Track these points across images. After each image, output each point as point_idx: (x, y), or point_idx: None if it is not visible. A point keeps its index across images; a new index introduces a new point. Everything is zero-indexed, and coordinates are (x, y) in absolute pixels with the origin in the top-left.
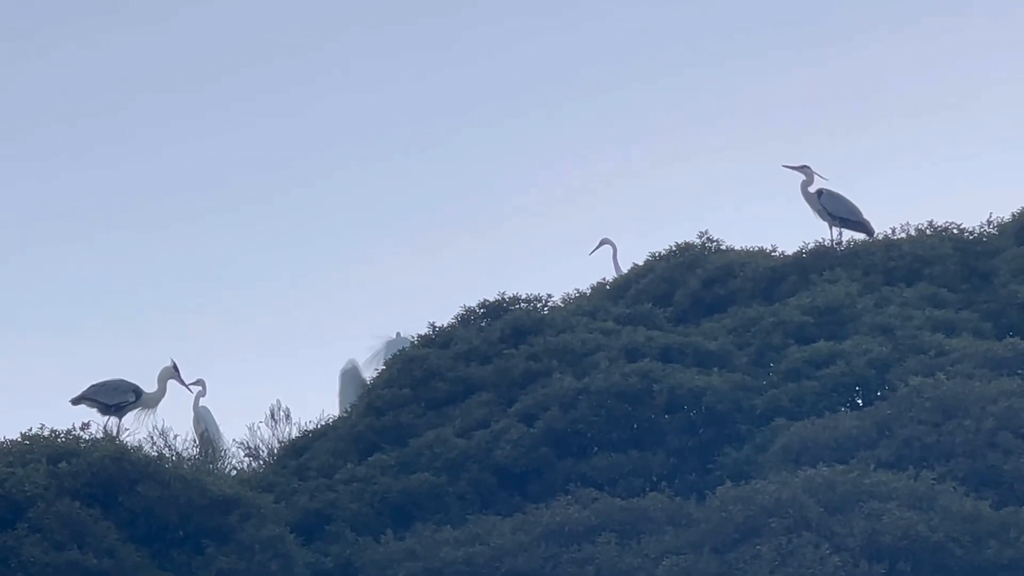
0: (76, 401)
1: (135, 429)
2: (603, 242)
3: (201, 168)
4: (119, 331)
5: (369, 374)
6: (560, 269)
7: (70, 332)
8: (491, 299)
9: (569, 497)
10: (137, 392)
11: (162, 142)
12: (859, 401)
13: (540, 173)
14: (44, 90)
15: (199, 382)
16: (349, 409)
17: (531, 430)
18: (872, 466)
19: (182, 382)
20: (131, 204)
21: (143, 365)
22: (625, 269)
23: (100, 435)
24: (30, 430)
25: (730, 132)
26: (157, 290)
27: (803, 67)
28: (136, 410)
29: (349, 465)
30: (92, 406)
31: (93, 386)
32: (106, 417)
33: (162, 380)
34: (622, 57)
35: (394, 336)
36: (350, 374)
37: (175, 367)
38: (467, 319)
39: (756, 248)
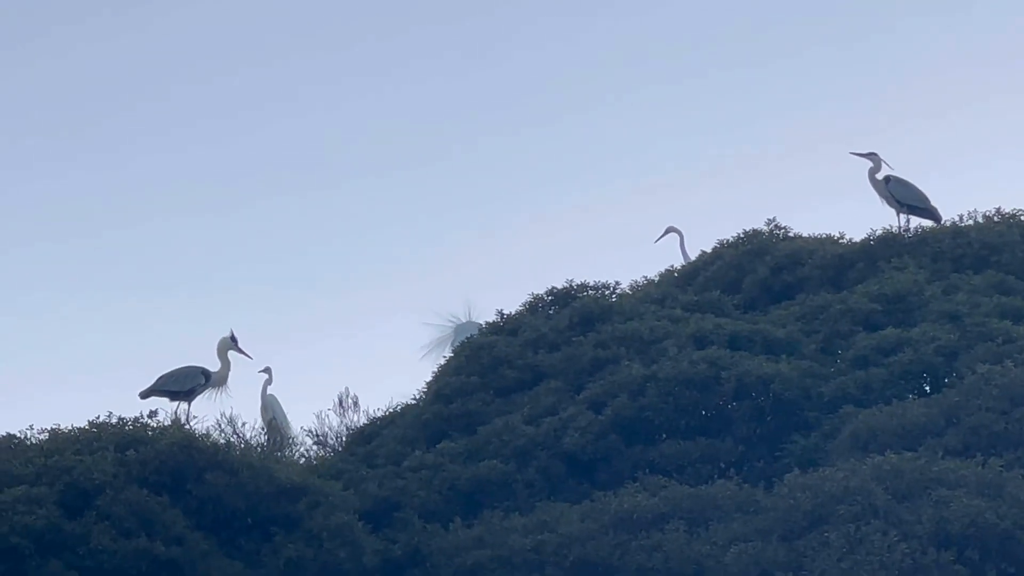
0: (146, 394)
1: (205, 416)
2: (669, 230)
3: (266, 148)
4: (186, 318)
5: (438, 359)
6: (628, 257)
7: (136, 319)
8: (559, 286)
9: (637, 484)
10: (206, 374)
11: (225, 123)
12: (927, 388)
13: (608, 161)
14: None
15: (267, 370)
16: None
17: (599, 417)
18: (940, 454)
19: (240, 351)
20: (193, 187)
21: (211, 352)
22: (693, 257)
23: (168, 423)
24: (98, 418)
25: (798, 120)
26: (223, 275)
27: (870, 54)
28: (208, 391)
29: (417, 453)
30: (163, 396)
31: (162, 377)
32: (176, 403)
33: (222, 353)
34: (690, 45)
35: (463, 321)
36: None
37: (233, 338)
38: (535, 306)
39: (824, 235)
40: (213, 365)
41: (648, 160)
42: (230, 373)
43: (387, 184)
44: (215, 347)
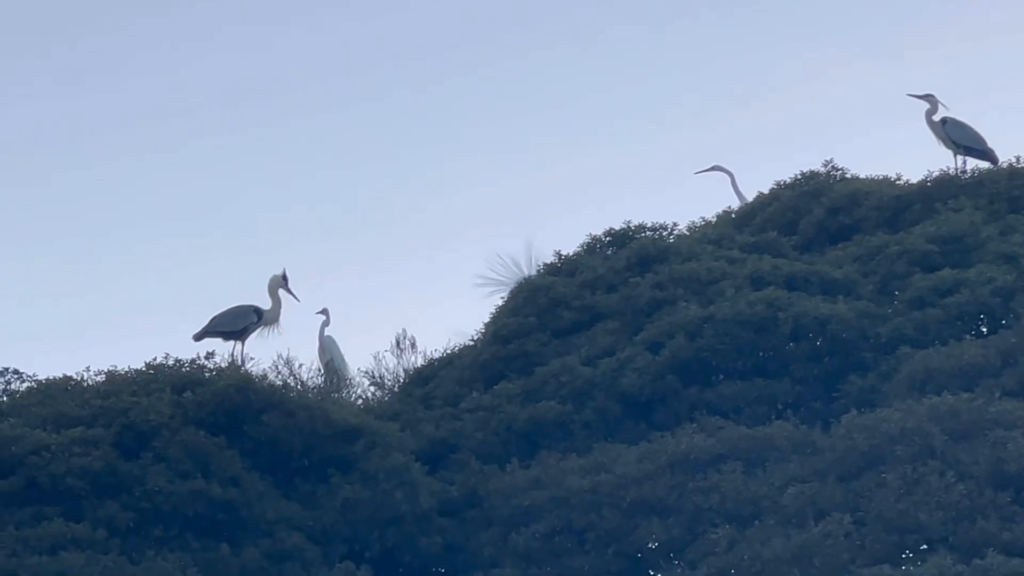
0: (200, 336)
1: (262, 357)
2: (715, 167)
3: (321, 74)
4: (241, 259)
5: (495, 300)
6: (686, 198)
7: (189, 259)
8: (616, 227)
9: (694, 425)
10: (258, 312)
11: (275, 42)
12: (983, 329)
13: (664, 102)
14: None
15: (324, 311)
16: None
17: (656, 358)
18: (997, 394)
19: (289, 291)
20: (240, 123)
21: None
22: (748, 197)
23: (225, 364)
24: (155, 360)
25: (854, 60)
26: (281, 217)
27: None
28: (260, 329)
29: (475, 394)
30: (216, 337)
31: (214, 319)
32: (231, 343)
33: (273, 290)
34: None
35: (523, 275)
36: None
37: (284, 276)
38: (592, 247)
39: (881, 177)
40: (266, 303)
41: (704, 100)
42: (282, 311)
43: (444, 117)
44: (266, 285)
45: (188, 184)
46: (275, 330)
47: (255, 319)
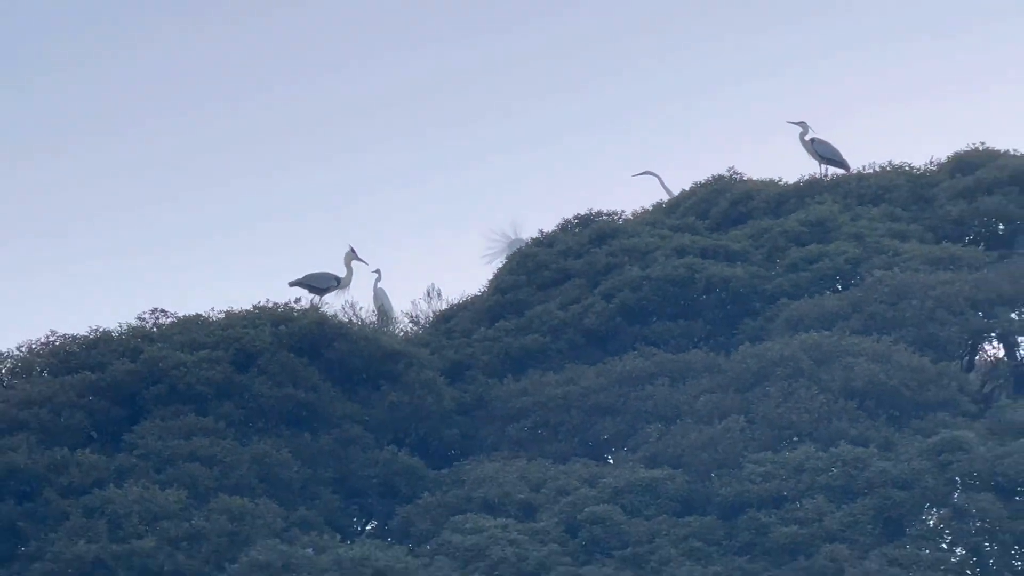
0: (294, 284)
1: (333, 303)
2: (647, 172)
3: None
4: (311, 224)
5: (496, 264)
6: (630, 192)
7: (276, 221)
8: (582, 212)
9: (635, 353)
10: (337, 279)
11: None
12: (839, 287)
13: (621, 116)
14: None
15: (377, 271)
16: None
17: (609, 305)
18: (847, 332)
19: (359, 258)
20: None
21: (331, 255)
22: (675, 192)
23: (308, 307)
24: (259, 302)
25: (753, 87)
26: (349, 189)
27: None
28: (335, 291)
29: (482, 329)
30: (306, 289)
31: (308, 275)
32: (312, 295)
33: (347, 263)
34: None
35: (514, 238)
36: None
37: (353, 251)
38: (565, 227)
39: (767, 179)
40: (340, 271)
41: (643, 114)
42: (352, 279)
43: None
44: (341, 259)
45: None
46: (345, 292)
47: (335, 284)
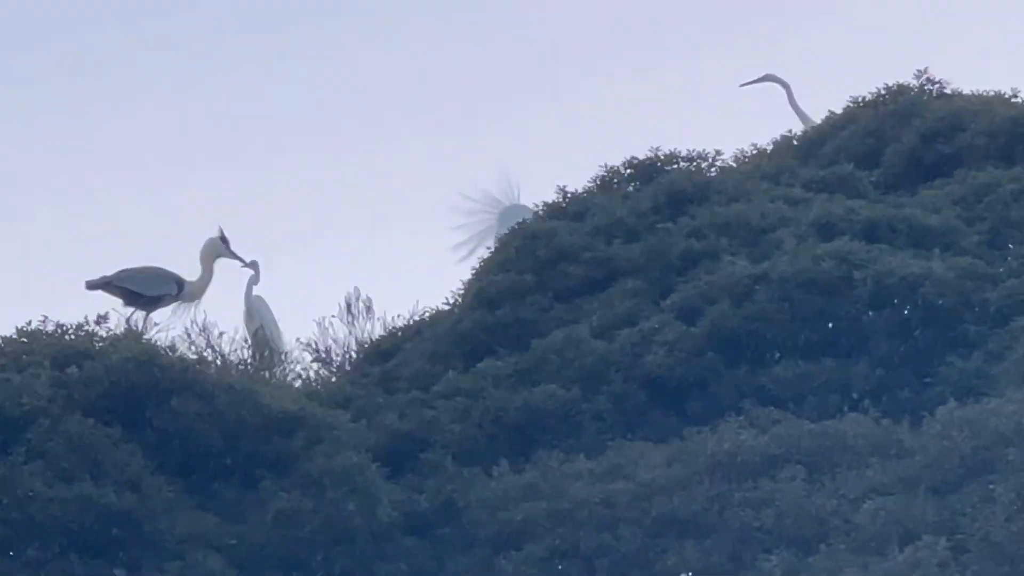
0: (95, 286)
1: (170, 324)
2: (767, 78)
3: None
4: (143, 200)
5: (476, 248)
6: (731, 119)
7: (81, 203)
8: (640, 156)
9: (741, 418)
10: (179, 283)
11: None
12: None
13: None
14: None
15: (252, 264)
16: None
17: (692, 330)
18: None
19: (235, 256)
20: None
21: (172, 245)
22: (817, 119)
23: (122, 331)
24: (29, 324)
25: None
26: (194, 148)
27: None
28: (175, 304)
29: (452, 374)
30: (118, 295)
31: (124, 271)
32: (133, 310)
33: (207, 258)
34: None
35: (511, 204)
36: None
37: (223, 238)
38: (608, 182)
39: (992, 93)
40: (190, 272)
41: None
42: (209, 285)
43: (399, 31)
44: (198, 251)
45: (80, 103)
46: (194, 307)
47: (174, 291)
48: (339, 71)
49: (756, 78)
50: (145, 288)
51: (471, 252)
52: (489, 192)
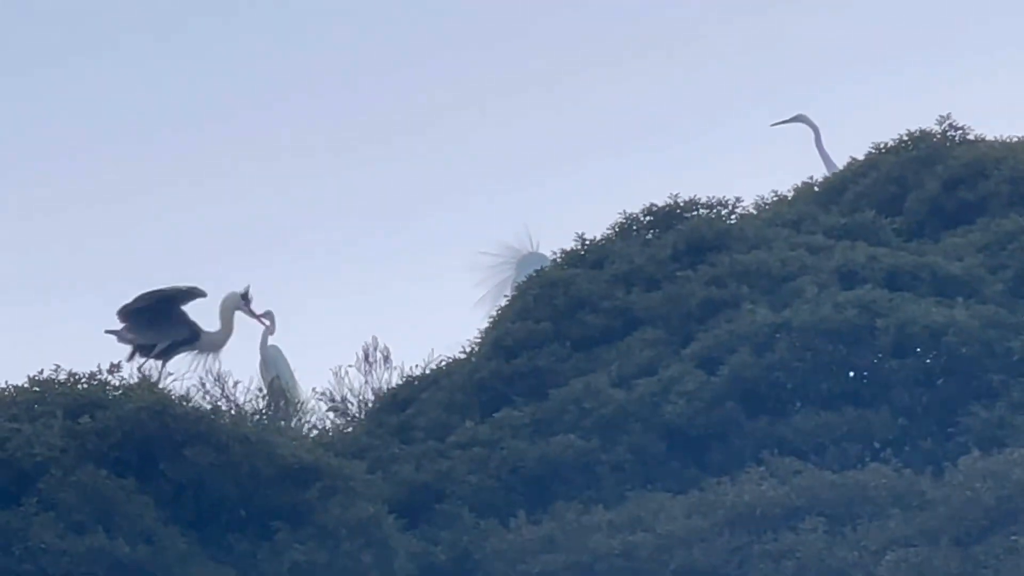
0: (114, 331)
1: (184, 373)
2: (798, 118)
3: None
4: (158, 245)
5: (496, 301)
6: (753, 163)
7: (97, 244)
8: (660, 203)
9: (762, 469)
10: (195, 331)
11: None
12: None
13: (719, 30)
14: None
15: (267, 314)
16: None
17: (713, 379)
18: None
19: (253, 314)
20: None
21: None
22: (840, 164)
23: (136, 380)
24: (41, 373)
25: None
26: (212, 196)
27: None
28: (191, 354)
29: (469, 424)
30: (134, 345)
31: (134, 304)
32: (148, 358)
33: (226, 313)
34: None
35: (530, 251)
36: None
37: (245, 296)
38: (628, 229)
39: (1016, 139)
40: (209, 323)
41: (777, 30)
42: (229, 338)
43: (420, 80)
44: (217, 305)
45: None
46: (210, 359)
47: (189, 339)
48: (355, 125)
49: (788, 118)
50: (160, 335)
51: (492, 306)
52: (507, 243)
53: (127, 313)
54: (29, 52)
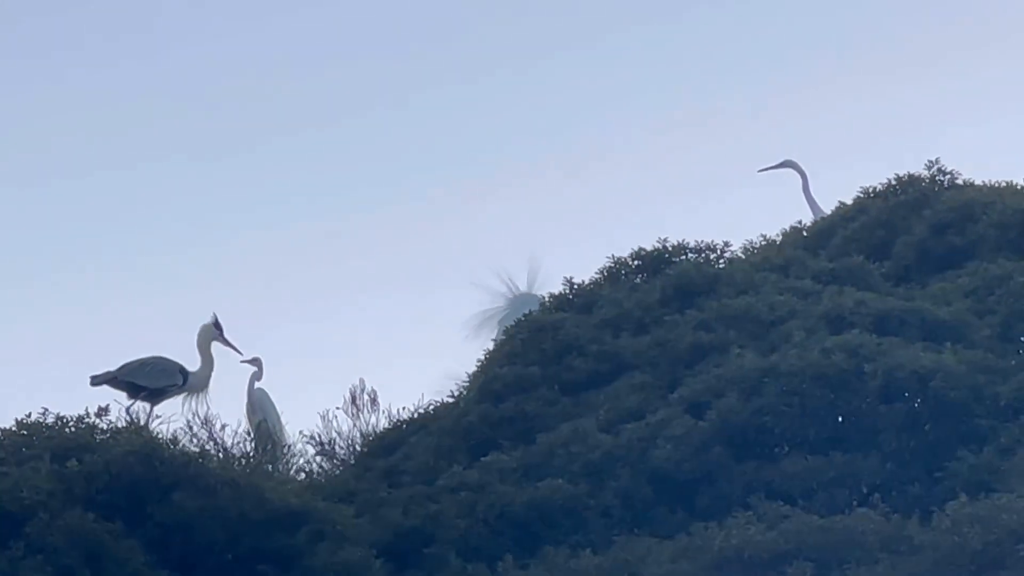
0: (100, 381)
1: (173, 416)
2: (785, 164)
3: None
4: (144, 292)
5: (485, 342)
6: (741, 209)
7: (80, 293)
8: (648, 248)
9: (750, 513)
10: (184, 373)
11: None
12: None
13: (709, 81)
14: None
15: (255, 361)
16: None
17: (700, 424)
18: None
19: (228, 343)
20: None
21: (173, 335)
22: (827, 209)
23: (123, 423)
24: (28, 416)
25: (967, 31)
26: (196, 237)
27: None
28: (181, 396)
29: (456, 468)
30: (123, 389)
31: (127, 365)
32: (136, 402)
33: (203, 344)
34: None
35: (519, 292)
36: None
37: (216, 324)
38: (616, 274)
39: (1004, 183)
40: (190, 361)
41: (763, 78)
42: (212, 374)
43: (412, 113)
44: (194, 338)
45: (84, 189)
46: (200, 399)
47: (180, 381)
48: (342, 165)
49: (776, 163)
50: (151, 381)
51: (477, 329)
52: (513, 277)
53: (115, 378)
54: None
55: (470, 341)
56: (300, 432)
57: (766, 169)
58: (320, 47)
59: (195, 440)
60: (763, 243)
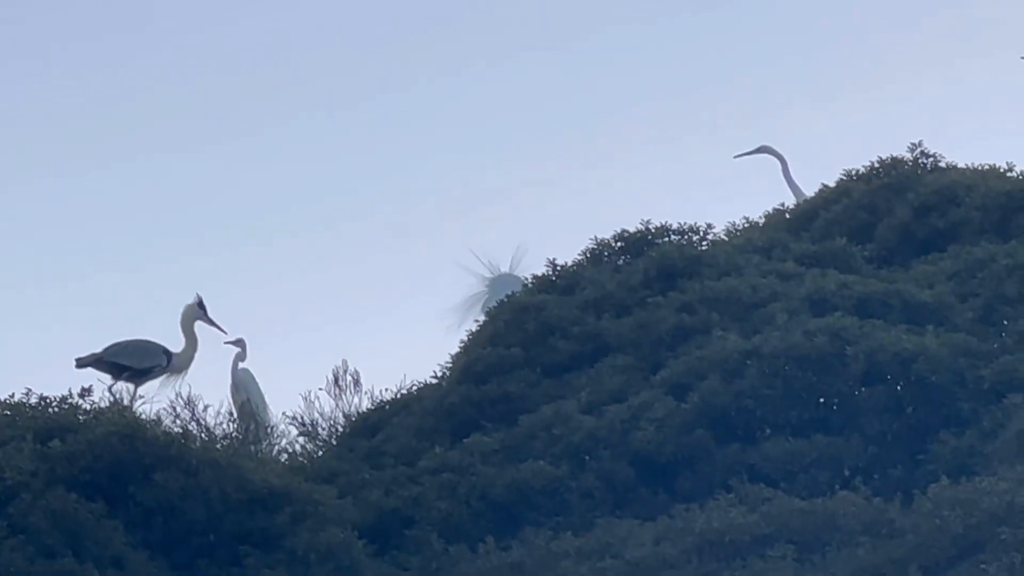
0: (85, 363)
1: (155, 396)
2: (762, 149)
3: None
4: (129, 275)
5: (467, 325)
6: (723, 192)
7: (65, 276)
8: (631, 229)
9: (731, 496)
10: (167, 354)
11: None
12: None
13: (691, 66)
14: None
15: (239, 341)
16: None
17: (682, 406)
18: None
19: (212, 322)
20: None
21: (155, 317)
22: (807, 191)
23: (106, 404)
24: (11, 397)
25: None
26: (181, 222)
27: None
28: (164, 376)
29: (438, 449)
30: (107, 370)
31: (113, 347)
32: (119, 383)
33: (187, 324)
34: None
35: (500, 273)
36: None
37: (200, 304)
38: (599, 255)
39: (987, 166)
40: (173, 342)
41: (745, 67)
42: (195, 355)
43: (398, 99)
44: (178, 318)
45: (66, 172)
46: (180, 379)
47: (163, 362)
48: (327, 150)
49: (751, 149)
50: (136, 361)
51: (461, 317)
52: (487, 259)
53: (101, 359)
54: None
55: (453, 330)
56: (283, 413)
57: (742, 155)
58: (316, 46)
59: (178, 420)
60: (746, 225)
